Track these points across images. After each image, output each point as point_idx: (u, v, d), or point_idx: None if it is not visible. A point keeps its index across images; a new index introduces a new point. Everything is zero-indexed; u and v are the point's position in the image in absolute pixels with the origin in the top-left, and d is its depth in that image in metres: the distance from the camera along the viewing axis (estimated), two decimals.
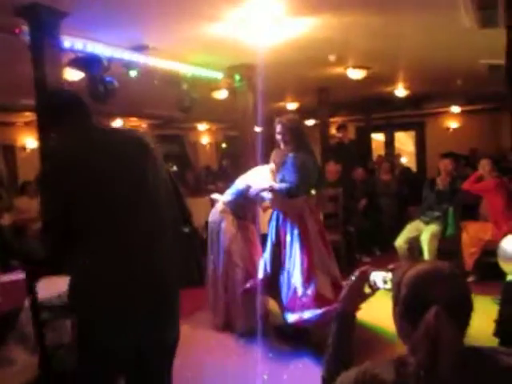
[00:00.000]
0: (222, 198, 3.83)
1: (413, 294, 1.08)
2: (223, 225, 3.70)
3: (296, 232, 3.31)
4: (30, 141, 8.38)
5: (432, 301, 1.03)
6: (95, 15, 3.63)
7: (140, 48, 4.43)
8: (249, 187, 3.61)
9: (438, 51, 5.37)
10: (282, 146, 3.42)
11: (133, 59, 4.40)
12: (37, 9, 3.34)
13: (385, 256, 5.91)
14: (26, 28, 3.52)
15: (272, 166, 3.68)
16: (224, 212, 3.74)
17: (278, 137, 3.41)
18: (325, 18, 3.97)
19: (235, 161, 8.02)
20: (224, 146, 13.56)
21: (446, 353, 0.99)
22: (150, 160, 1.80)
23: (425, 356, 1.00)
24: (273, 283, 3.39)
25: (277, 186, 3.37)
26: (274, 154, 3.61)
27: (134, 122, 10.18)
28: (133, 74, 4.49)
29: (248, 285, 3.54)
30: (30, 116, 7.44)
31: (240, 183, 3.75)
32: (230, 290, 3.65)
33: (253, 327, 3.52)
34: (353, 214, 5.84)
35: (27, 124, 8.21)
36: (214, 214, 3.80)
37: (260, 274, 3.49)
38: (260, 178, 3.59)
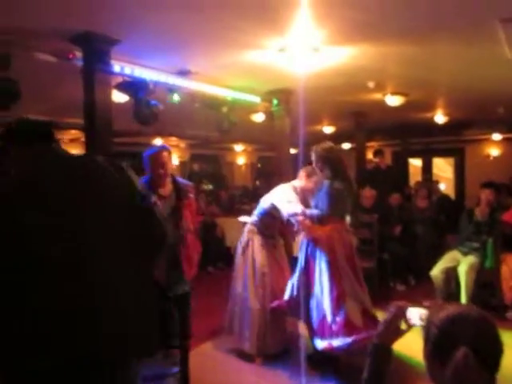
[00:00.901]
0: (250, 219, 3.91)
1: (442, 334, 1.10)
2: (251, 244, 3.76)
3: (325, 259, 3.32)
4: None
5: (461, 342, 1.04)
6: (143, 42, 3.83)
7: (183, 73, 4.60)
8: (273, 206, 3.66)
9: (479, 80, 5.32)
10: (318, 173, 3.48)
11: (176, 83, 4.56)
12: (90, 36, 3.56)
13: (420, 285, 5.79)
14: (79, 54, 3.75)
15: (296, 183, 3.75)
16: (251, 232, 3.81)
17: (314, 165, 3.47)
18: (362, 47, 4.03)
19: (269, 181, 8.10)
20: (259, 166, 13.71)
21: None
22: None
23: None
24: (301, 307, 3.39)
25: (308, 211, 3.42)
26: (302, 172, 3.69)
27: (173, 141, 10.45)
28: (176, 97, 4.65)
29: (274, 304, 3.56)
30: (75, 134, 7.82)
31: (264, 202, 3.81)
32: (258, 308, 3.66)
33: (284, 348, 3.51)
34: (388, 240, 5.77)
35: (72, 141, 8.63)
36: (242, 236, 3.89)
37: (286, 296, 3.52)
38: (283, 196, 3.63)
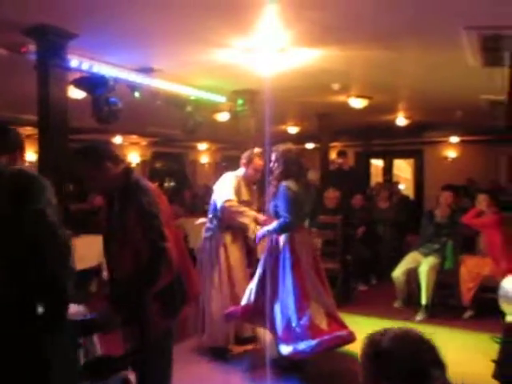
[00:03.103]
0: (206, 220, 3.86)
1: (408, 366, 1.04)
2: (207, 244, 3.72)
3: (288, 262, 3.29)
4: (29, 154, 8.40)
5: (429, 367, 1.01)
6: (103, 37, 3.66)
7: (146, 70, 4.47)
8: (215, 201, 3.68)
9: (440, 85, 5.45)
10: (274, 170, 3.44)
11: (138, 81, 4.42)
12: (45, 29, 3.37)
13: (381, 286, 5.87)
14: (32, 47, 3.54)
15: (238, 172, 3.74)
16: (208, 230, 3.75)
17: (273, 165, 3.43)
18: (328, 50, 4.02)
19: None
20: (224, 165, 13.61)
21: None
22: None
23: None
24: (264, 313, 3.34)
25: (270, 227, 3.35)
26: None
27: (134, 139, 10.23)
28: (137, 94, 4.51)
29: (230, 309, 3.52)
30: (30, 130, 7.46)
31: (214, 197, 3.78)
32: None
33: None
34: (351, 241, 5.81)
35: (28, 137, 8.23)
36: (201, 238, 3.84)
37: (243, 301, 3.47)
38: (221, 186, 3.64)
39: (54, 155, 3.47)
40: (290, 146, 3.48)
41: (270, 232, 3.37)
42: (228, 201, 3.56)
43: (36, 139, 3.62)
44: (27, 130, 7.70)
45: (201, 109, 5.39)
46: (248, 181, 3.81)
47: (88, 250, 4.47)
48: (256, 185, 3.97)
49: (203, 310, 3.72)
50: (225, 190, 3.63)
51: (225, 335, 3.68)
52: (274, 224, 3.33)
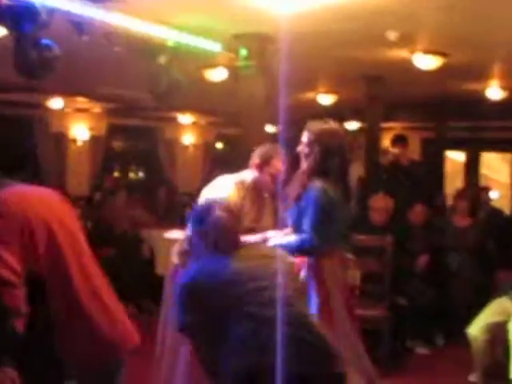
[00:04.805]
0: (182, 235, 3.89)
1: None
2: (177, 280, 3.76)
3: (314, 303, 3.31)
4: None
5: None
6: None
7: None
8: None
9: None
10: (303, 165, 3.46)
11: (86, 14, 4.44)
12: None
13: (451, 348, 5.84)
14: None
15: (246, 175, 3.81)
16: (182, 256, 3.78)
17: (302, 150, 3.47)
18: None
19: (233, 172, 8.09)
20: (219, 148, 13.68)
21: None
22: None
23: None
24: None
25: (284, 240, 3.39)
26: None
27: (81, 103, 10.33)
28: (84, 36, 4.54)
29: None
30: None
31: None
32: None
33: None
34: (407, 277, 5.82)
35: None
36: (169, 263, 3.92)
37: None
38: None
39: None
40: (332, 124, 3.51)
41: (284, 247, 3.38)
42: None
43: None
44: None
45: (181, 61, 5.42)
46: (259, 191, 3.87)
47: None
48: (272, 199, 4.03)
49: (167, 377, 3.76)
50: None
51: None
52: (294, 238, 3.36)
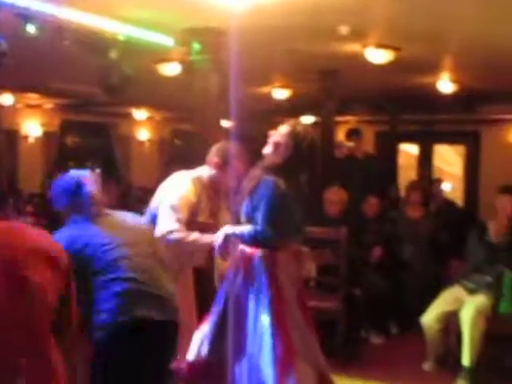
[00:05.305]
0: None
1: None
2: None
3: (265, 297, 3.32)
4: None
5: None
6: None
7: None
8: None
9: (505, 33, 5.52)
10: (268, 155, 3.47)
11: (34, 7, 4.37)
12: None
13: (405, 337, 5.95)
14: None
15: (203, 171, 3.81)
16: None
17: (273, 140, 3.47)
18: None
19: (189, 167, 8.06)
20: (176, 143, 13.61)
21: None
22: None
23: None
24: (222, 376, 3.37)
25: (237, 230, 3.41)
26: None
27: (33, 99, 10.21)
28: (31, 28, 4.48)
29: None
30: None
31: (154, 204, 3.84)
32: None
33: None
34: (361, 269, 5.87)
35: None
36: None
37: (190, 355, 3.50)
38: (170, 196, 3.71)
39: None
40: (305, 126, 3.55)
41: (237, 236, 3.41)
42: (171, 232, 3.60)
43: None
44: None
45: (134, 56, 5.38)
46: (215, 188, 3.89)
47: None
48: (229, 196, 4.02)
49: None
50: (167, 210, 3.66)
51: None
52: (248, 228, 3.37)
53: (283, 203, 3.33)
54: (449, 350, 5.05)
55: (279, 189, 3.32)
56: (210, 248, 3.63)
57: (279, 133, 3.47)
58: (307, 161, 3.49)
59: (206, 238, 3.65)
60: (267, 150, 3.48)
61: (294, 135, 3.42)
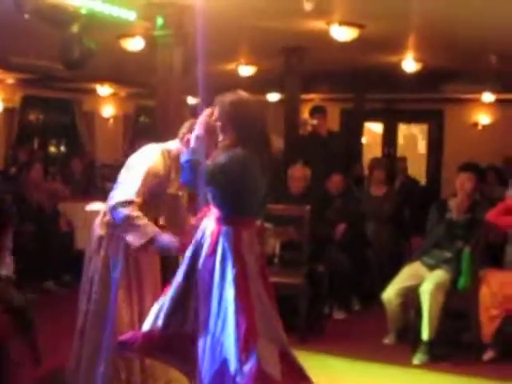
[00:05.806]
0: (104, 207, 3.84)
1: None
2: (104, 245, 3.74)
3: (229, 272, 3.32)
4: None
5: None
6: None
7: None
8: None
9: (469, 12, 5.57)
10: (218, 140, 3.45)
11: None
12: None
13: (366, 312, 6.02)
14: None
15: (171, 145, 3.79)
16: (107, 226, 3.75)
17: (216, 125, 3.43)
18: None
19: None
20: (141, 119, 13.52)
21: None
22: None
23: None
24: (179, 348, 3.39)
25: None
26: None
27: None
28: None
29: (125, 337, 3.53)
30: None
31: (123, 177, 3.77)
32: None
33: None
34: (325, 245, 5.90)
35: None
36: (91, 236, 3.83)
37: (146, 325, 3.47)
38: (138, 167, 3.65)
39: None
40: (243, 96, 3.48)
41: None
42: (128, 204, 3.53)
43: None
44: None
45: (96, 30, 5.29)
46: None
47: None
48: None
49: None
50: (136, 178, 3.59)
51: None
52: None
53: (244, 174, 3.29)
54: (408, 325, 5.11)
55: (238, 159, 3.27)
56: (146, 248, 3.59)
57: (216, 112, 3.40)
58: (257, 129, 3.39)
59: (151, 230, 3.56)
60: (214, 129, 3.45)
61: (228, 110, 3.35)
